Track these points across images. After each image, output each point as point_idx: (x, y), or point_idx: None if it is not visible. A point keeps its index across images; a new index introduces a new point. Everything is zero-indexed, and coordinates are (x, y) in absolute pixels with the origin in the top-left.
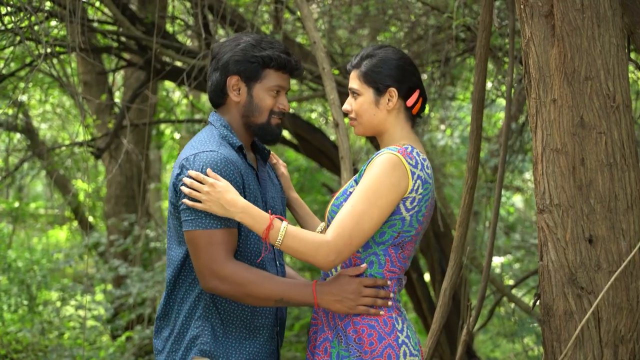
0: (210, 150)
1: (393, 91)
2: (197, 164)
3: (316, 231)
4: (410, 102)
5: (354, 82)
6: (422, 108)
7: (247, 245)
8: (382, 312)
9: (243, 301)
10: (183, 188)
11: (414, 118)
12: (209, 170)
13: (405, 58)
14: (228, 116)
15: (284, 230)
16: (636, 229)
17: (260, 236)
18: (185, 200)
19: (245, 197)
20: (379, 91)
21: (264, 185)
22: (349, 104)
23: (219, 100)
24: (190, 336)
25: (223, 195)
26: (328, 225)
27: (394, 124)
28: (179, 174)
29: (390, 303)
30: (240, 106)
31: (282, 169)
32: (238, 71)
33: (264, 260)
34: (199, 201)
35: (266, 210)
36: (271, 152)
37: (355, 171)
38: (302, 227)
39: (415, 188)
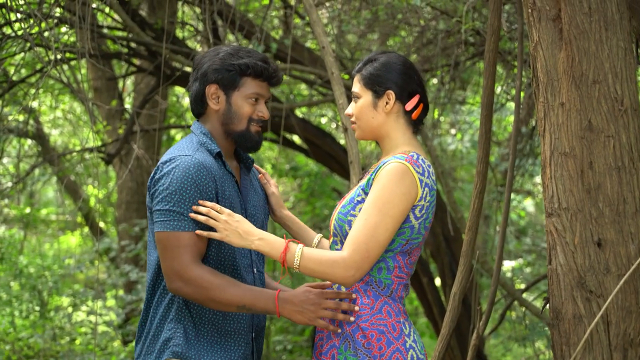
0: (186, 155)
1: (390, 94)
2: (170, 167)
3: (312, 244)
4: (409, 106)
5: (355, 86)
6: (423, 114)
7: (221, 251)
8: (339, 330)
9: (206, 305)
10: (196, 215)
11: (416, 124)
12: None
13: (407, 63)
14: (209, 124)
15: (299, 252)
16: None
17: (279, 261)
18: (200, 232)
19: (218, 204)
20: (377, 94)
21: (245, 194)
22: (351, 108)
23: (199, 109)
24: (163, 338)
25: (241, 225)
26: (333, 233)
27: (394, 129)
28: (152, 177)
29: (352, 319)
30: (219, 114)
31: (273, 188)
32: (216, 79)
33: (239, 267)
34: (214, 230)
35: (251, 219)
36: (264, 171)
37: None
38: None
39: (423, 196)
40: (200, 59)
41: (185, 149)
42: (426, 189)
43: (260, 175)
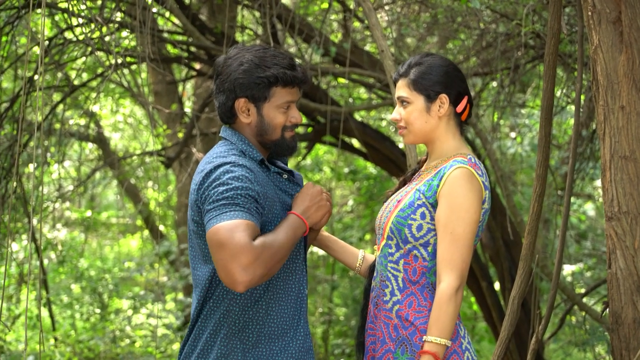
0: (231, 162)
1: (444, 97)
2: (218, 173)
3: (357, 262)
4: (460, 108)
5: (402, 90)
6: (470, 114)
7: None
8: None
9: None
10: None
11: (462, 124)
12: None
13: (452, 64)
14: (242, 133)
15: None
16: None
17: None
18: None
19: (265, 209)
20: (430, 98)
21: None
22: (398, 113)
23: (228, 120)
24: (217, 354)
25: None
26: (388, 236)
27: (445, 131)
28: (197, 189)
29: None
30: (252, 126)
31: None
32: (245, 94)
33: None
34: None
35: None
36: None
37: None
38: (342, 261)
39: (486, 198)
40: (223, 65)
41: (229, 155)
42: (487, 191)
43: None
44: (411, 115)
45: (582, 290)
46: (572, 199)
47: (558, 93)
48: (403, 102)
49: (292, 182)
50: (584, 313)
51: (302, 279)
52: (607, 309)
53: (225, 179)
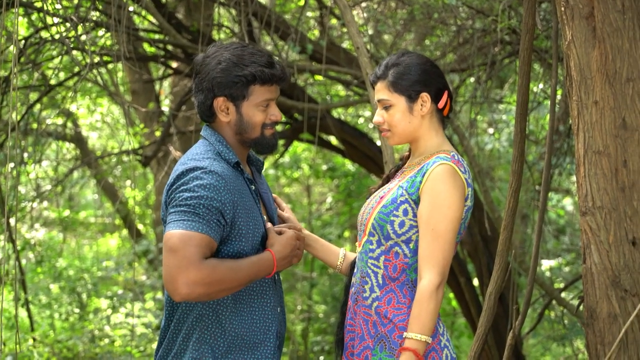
0: (204, 168)
1: (425, 96)
2: (188, 177)
3: (338, 260)
4: (441, 103)
5: (382, 93)
6: (451, 108)
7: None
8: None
9: (221, 296)
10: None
11: (444, 120)
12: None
13: (429, 61)
14: (221, 132)
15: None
16: None
17: None
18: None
19: (235, 217)
20: (411, 98)
21: (266, 198)
22: (380, 116)
23: (208, 119)
24: (189, 358)
25: None
26: (369, 232)
27: (428, 129)
28: (167, 190)
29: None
30: (231, 125)
31: (288, 213)
32: (223, 93)
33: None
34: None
35: (271, 222)
36: (275, 196)
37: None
38: (323, 259)
39: (469, 196)
40: (201, 64)
41: (204, 158)
42: (469, 188)
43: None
44: (394, 118)
45: (561, 285)
46: (551, 194)
47: (535, 89)
48: (385, 105)
49: (258, 192)
50: (562, 308)
51: (268, 298)
52: (583, 304)
53: (192, 185)
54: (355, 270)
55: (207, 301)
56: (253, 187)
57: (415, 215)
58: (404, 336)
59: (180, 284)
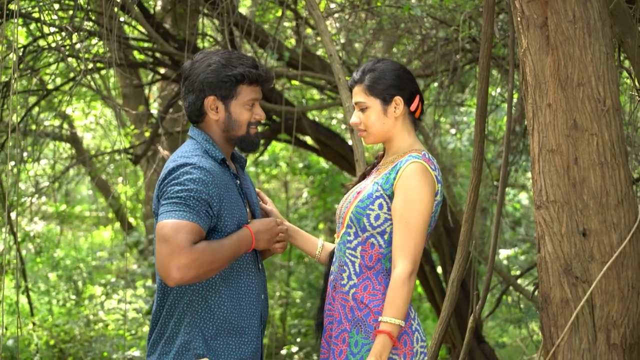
0: (193, 164)
1: (399, 99)
2: (178, 172)
3: (317, 250)
4: (413, 106)
5: (359, 96)
6: (423, 111)
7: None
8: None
9: (209, 276)
10: None
11: (416, 122)
12: None
13: (403, 67)
14: (209, 131)
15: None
16: (626, 223)
17: None
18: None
19: (222, 210)
20: (385, 101)
21: (249, 194)
22: (357, 117)
23: (197, 119)
24: (181, 341)
25: None
26: (347, 225)
27: (401, 130)
28: (159, 185)
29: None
30: (220, 123)
31: (270, 206)
32: (213, 92)
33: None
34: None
35: (253, 215)
36: (258, 190)
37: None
38: (303, 249)
39: (439, 191)
40: (190, 68)
41: (193, 156)
42: (439, 185)
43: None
44: (369, 119)
45: (517, 273)
46: (508, 189)
47: (494, 92)
48: (361, 107)
49: (242, 187)
50: (518, 293)
51: (254, 286)
52: (538, 290)
53: (182, 179)
54: (333, 260)
55: (197, 288)
56: (238, 182)
57: (389, 209)
58: (379, 320)
59: (172, 269)
